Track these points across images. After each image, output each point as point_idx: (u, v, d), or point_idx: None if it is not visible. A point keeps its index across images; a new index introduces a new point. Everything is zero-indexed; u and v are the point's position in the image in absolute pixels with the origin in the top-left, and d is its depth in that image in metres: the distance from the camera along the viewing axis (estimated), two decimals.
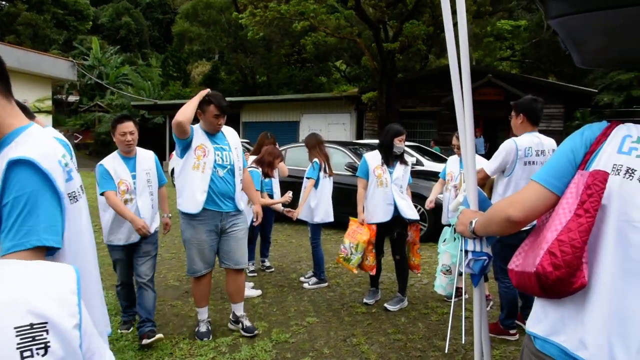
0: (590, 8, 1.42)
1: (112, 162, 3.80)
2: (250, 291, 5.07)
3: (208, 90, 3.81)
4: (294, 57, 30.25)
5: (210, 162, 3.74)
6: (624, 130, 1.39)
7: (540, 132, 3.87)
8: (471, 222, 1.73)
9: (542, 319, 1.44)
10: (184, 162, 3.76)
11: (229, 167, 3.83)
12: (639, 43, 1.81)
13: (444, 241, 1.98)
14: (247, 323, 4.07)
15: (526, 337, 1.52)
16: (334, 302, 4.94)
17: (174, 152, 17.06)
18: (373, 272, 4.81)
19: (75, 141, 25.87)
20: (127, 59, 33.81)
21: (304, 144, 5.82)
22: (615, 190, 1.32)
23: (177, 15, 35.11)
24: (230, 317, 4.20)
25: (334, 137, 18.01)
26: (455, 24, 1.87)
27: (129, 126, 3.75)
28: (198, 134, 3.79)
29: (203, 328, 3.99)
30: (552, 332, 1.40)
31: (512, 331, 4.03)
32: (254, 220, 4.35)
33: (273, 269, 6.11)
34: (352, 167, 8.04)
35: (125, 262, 4.00)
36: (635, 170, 1.31)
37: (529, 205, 1.45)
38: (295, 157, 8.98)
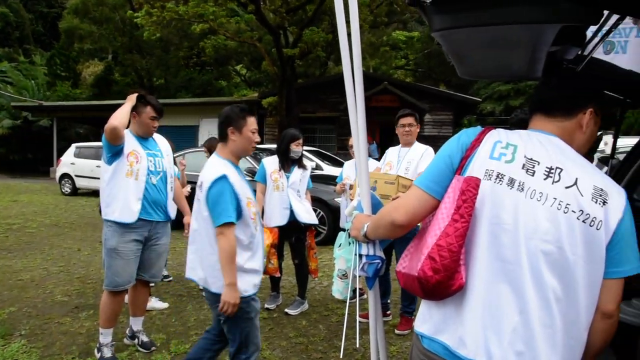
0: (467, 24, 1.53)
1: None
2: (156, 303, 4.86)
3: (137, 94, 3.61)
4: (193, 59, 29.50)
5: (143, 168, 3.56)
6: (495, 135, 1.49)
7: (432, 137, 4.16)
8: (363, 227, 1.76)
9: (427, 319, 1.51)
10: (115, 169, 3.52)
11: (161, 174, 3.68)
12: (512, 57, 1.99)
13: (339, 246, 2.00)
14: (144, 338, 3.88)
15: (414, 336, 1.58)
16: None
17: (62, 158, 15.94)
18: (278, 274, 4.84)
19: None
20: (5, 54, 30.86)
21: (204, 149, 5.70)
22: (487, 194, 1.41)
23: (65, 10, 32.70)
24: (127, 332, 3.98)
25: None
26: (349, 34, 1.92)
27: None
28: (129, 139, 3.58)
29: (108, 353, 3.62)
30: (437, 331, 1.46)
31: (388, 312, 4.56)
32: (185, 231, 4.16)
33: (172, 278, 5.89)
34: (252, 172, 8.00)
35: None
36: (505, 176, 1.41)
37: (412, 209, 1.51)
38: (194, 162, 8.73)
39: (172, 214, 3.86)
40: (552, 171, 1.40)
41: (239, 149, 2.72)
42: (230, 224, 2.51)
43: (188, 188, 5.54)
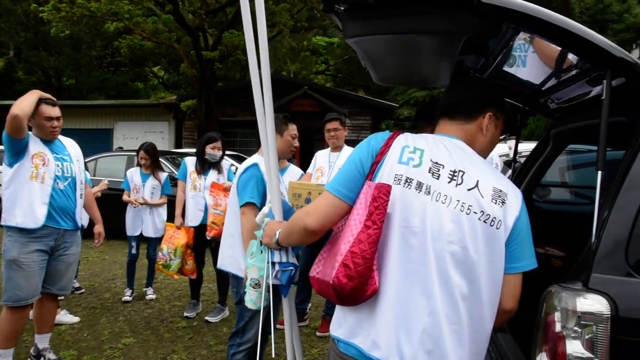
0: (379, 31, 1.59)
1: None
2: (65, 317, 4.57)
3: (39, 92, 3.36)
4: (107, 59, 28.10)
5: (50, 172, 3.34)
6: (402, 140, 1.53)
7: (352, 141, 4.22)
8: (275, 233, 1.75)
9: (342, 323, 1.53)
10: (16, 171, 3.28)
11: (70, 179, 3.47)
12: (422, 65, 2.08)
13: (251, 254, 1.97)
14: (51, 356, 3.63)
15: (331, 340, 1.60)
16: (153, 319, 4.70)
17: None
18: (194, 276, 4.77)
19: None
20: None
21: (142, 155, 5.42)
22: (397, 199, 1.45)
23: None
24: (31, 351, 3.68)
25: None
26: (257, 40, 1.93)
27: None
28: (35, 141, 3.36)
29: None
30: (352, 334, 1.49)
31: (305, 317, 4.61)
32: (96, 240, 3.98)
33: (83, 290, 5.58)
34: (170, 177, 7.77)
35: None
36: (413, 180, 1.46)
37: (324, 214, 1.51)
38: (107, 167, 8.34)
39: (84, 221, 3.67)
40: (455, 174, 1.46)
41: (278, 150, 2.80)
42: (253, 204, 2.65)
43: (106, 181, 5.26)
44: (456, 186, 1.45)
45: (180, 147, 17.55)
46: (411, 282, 1.41)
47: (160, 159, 5.69)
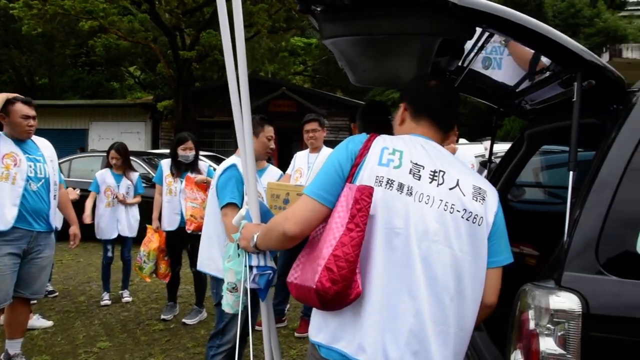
0: (356, 32, 1.60)
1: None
2: (38, 321, 4.47)
3: (7, 95, 3.29)
4: (81, 59, 27.56)
5: (22, 172, 3.27)
6: (381, 142, 1.52)
7: (330, 142, 4.23)
8: (253, 237, 1.71)
9: (323, 328, 1.50)
10: None
11: (43, 180, 3.39)
12: (399, 66, 2.10)
13: (228, 258, 1.94)
14: None
15: (310, 345, 1.57)
16: (129, 322, 4.64)
17: None
18: (166, 280, 4.72)
19: None
20: None
21: (113, 155, 5.33)
22: (379, 201, 1.43)
23: None
24: (2, 357, 3.61)
25: (128, 147, 16.90)
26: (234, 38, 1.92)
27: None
28: (6, 141, 3.30)
29: None
30: (334, 339, 1.46)
31: (284, 318, 4.58)
32: (71, 242, 3.89)
33: (57, 294, 5.47)
34: (145, 178, 7.68)
35: None
36: (394, 181, 1.45)
37: (303, 219, 1.48)
38: (82, 167, 8.19)
39: (57, 223, 3.60)
40: (436, 174, 1.48)
41: (254, 152, 2.78)
42: (234, 205, 2.63)
43: (78, 191, 5.19)
44: (437, 186, 1.47)
45: (157, 148, 17.35)
46: (396, 284, 1.41)
47: (133, 159, 5.61)
